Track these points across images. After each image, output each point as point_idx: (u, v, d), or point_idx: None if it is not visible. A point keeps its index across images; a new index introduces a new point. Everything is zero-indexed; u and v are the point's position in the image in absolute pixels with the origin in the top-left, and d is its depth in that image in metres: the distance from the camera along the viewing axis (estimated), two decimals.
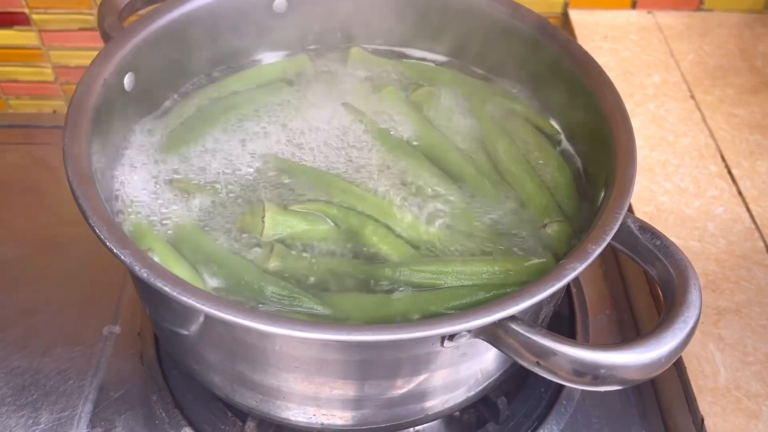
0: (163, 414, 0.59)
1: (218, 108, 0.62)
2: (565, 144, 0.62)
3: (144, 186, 0.55)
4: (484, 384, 0.53)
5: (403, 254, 0.52)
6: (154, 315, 0.53)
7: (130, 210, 0.53)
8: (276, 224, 0.52)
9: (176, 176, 0.56)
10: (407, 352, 0.44)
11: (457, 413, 0.62)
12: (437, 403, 0.51)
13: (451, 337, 0.42)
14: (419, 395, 0.49)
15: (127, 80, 0.56)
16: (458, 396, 0.52)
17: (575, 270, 0.42)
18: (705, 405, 0.56)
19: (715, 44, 0.91)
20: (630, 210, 0.70)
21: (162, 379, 0.61)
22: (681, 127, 0.79)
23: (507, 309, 0.40)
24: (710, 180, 0.73)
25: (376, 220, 0.54)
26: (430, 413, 0.52)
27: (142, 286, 0.50)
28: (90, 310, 0.67)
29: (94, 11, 0.88)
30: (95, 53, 0.91)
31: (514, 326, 0.41)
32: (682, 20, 0.94)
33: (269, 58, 0.68)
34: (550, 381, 0.62)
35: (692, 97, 0.83)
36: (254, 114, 0.62)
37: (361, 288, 0.50)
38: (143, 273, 0.40)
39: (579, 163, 0.60)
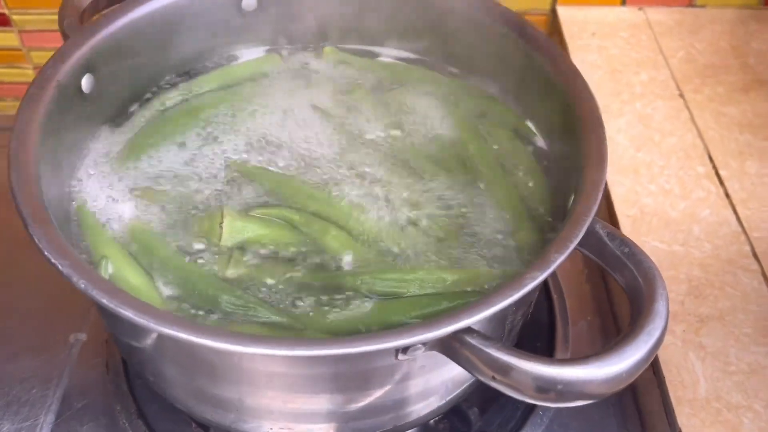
0: (126, 424, 0.58)
1: (181, 110, 0.60)
2: (541, 146, 0.60)
3: (102, 192, 0.54)
4: (452, 395, 0.51)
5: (367, 261, 0.50)
6: (108, 325, 0.51)
7: (86, 217, 0.52)
8: (235, 230, 0.51)
9: (135, 181, 0.55)
10: (360, 366, 0.43)
11: (432, 423, 0.60)
12: (400, 415, 0.49)
13: (405, 350, 0.40)
14: (379, 409, 0.47)
15: (85, 82, 0.54)
16: (423, 408, 0.50)
17: (535, 279, 0.40)
18: (683, 417, 0.53)
19: (707, 41, 0.88)
20: (612, 213, 0.69)
21: (126, 388, 0.60)
22: (668, 126, 0.76)
23: (460, 321, 0.38)
24: (697, 181, 0.71)
25: (340, 227, 0.52)
26: (396, 425, 0.50)
27: None
28: (57, 317, 0.65)
29: None
30: None
31: (469, 339, 0.39)
32: (673, 17, 0.92)
33: (238, 58, 0.66)
34: None
35: (681, 95, 0.80)
36: (219, 116, 0.60)
37: (321, 297, 0.49)
38: (81, 284, 0.39)
39: (554, 166, 0.58)
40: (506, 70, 0.62)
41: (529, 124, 0.61)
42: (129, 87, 0.60)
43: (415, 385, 0.46)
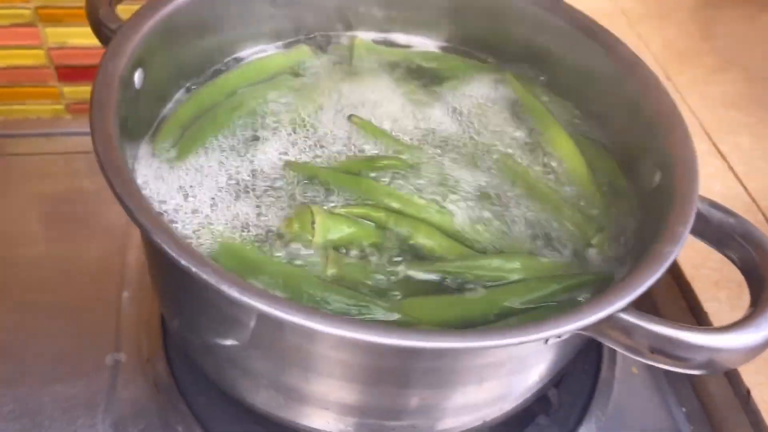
0: None
1: (226, 108, 0.56)
2: (583, 127, 0.61)
3: (167, 196, 0.49)
4: (548, 378, 0.51)
5: (461, 256, 0.49)
6: (189, 327, 0.47)
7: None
8: (327, 229, 0.48)
9: (197, 185, 0.51)
10: (499, 354, 0.42)
11: None
12: (498, 408, 0.49)
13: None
14: (496, 398, 0.47)
15: (138, 77, 0.50)
16: (523, 394, 0.50)
17: (672, 253, 0.42)
18: (749, 376, 0.57)
19: (677, 27, 0.94)
20: None
21: (185, 406, 0.56)
22: None
23: (619, 300, 0.39)
24: (702, 158, 0.74)
25: (427, 223, 0.51)
26: (488, 418, 0.50)
27: (182, 293, 0.45)
28: (86, 338, 0.59)
29: (29, 5, 0.79)
30: (30, 51, 0.83)
31: (626, 317, 0.39)
32: (640, 3, 0.97)
33: (268, 49, 0.63)
34: (588, 365, 0.62)
35: (668, 78, 0.85)
36: (265, 111, 0.57)
37: (425, 290, 0.47)
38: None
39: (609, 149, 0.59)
40: (541, 52, 0.63)
41: (575, 108, 0.62)
42: (170, 81, 0.56)
43: (535, 371, 0.46)
